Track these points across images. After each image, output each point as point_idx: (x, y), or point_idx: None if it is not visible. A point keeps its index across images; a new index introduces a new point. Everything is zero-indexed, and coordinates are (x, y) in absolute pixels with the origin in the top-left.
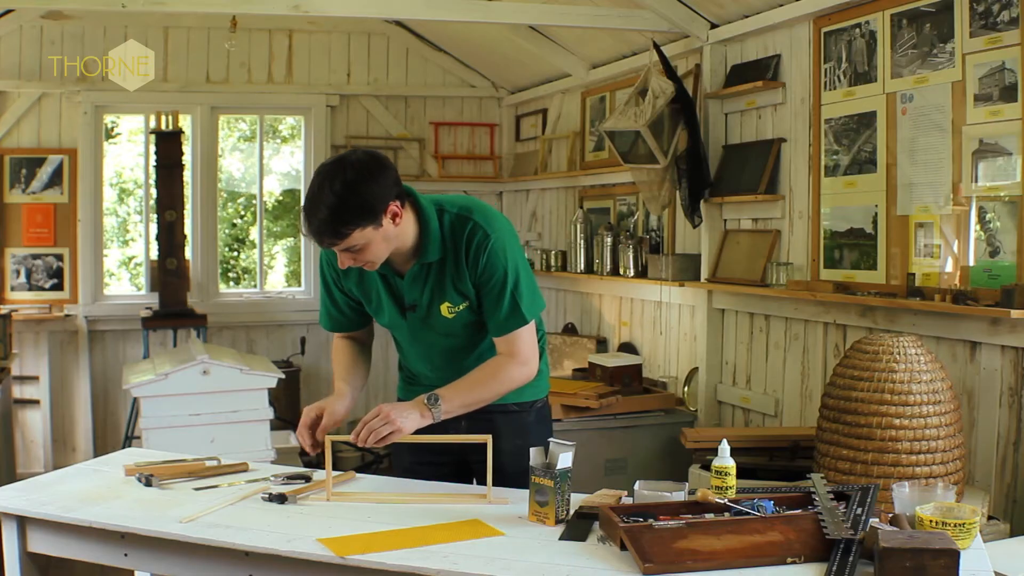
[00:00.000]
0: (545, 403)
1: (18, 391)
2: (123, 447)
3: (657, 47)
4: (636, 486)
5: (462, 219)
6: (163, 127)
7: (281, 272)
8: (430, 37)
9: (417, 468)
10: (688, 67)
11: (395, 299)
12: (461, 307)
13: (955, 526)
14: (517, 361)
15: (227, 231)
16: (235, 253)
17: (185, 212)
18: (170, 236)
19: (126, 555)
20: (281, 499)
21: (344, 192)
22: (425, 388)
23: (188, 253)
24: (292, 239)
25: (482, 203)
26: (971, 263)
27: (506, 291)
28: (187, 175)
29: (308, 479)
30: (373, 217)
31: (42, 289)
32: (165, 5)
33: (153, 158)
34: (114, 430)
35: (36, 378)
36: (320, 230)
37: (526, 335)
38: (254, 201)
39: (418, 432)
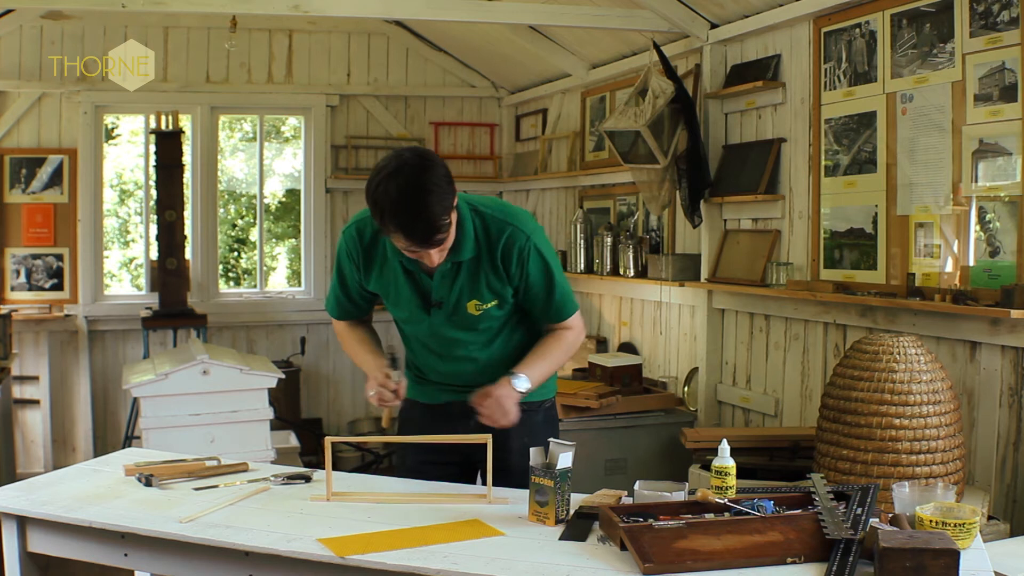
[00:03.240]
0: (553, 403)
1: (18, 391)
2: (123, 447)
3: (657, 47)
4: (636, 486)
5: (497, 221)
6: (163, 127)
7: (283, 273)
8: (430, 37)
9: (423, 468)
10: (688, 67)
11: (420, 295)
12: (490, 305)
13: (955, 526)
14: (574, 330)
15: (228, 232)
16: (236, 254)
17: (185, 212)
18: (170, 236)
19: (126, 555)
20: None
21: (428, 184)
22: (434, 384)
23: (188, 253)
24: (293, 240)
25: (508, 203)
26: (971, 263)
27: (555, 290)
28: (187, 175)
29: (308, 479)
30: (452, 202)
31: (42, 289)
32: (165, 5)
33: (153, 158)
34: (114, 430)
35: (36, 378)
36: (427, 229)
37: (576, 313)
38: (255, 202)
39: (423, 430)
